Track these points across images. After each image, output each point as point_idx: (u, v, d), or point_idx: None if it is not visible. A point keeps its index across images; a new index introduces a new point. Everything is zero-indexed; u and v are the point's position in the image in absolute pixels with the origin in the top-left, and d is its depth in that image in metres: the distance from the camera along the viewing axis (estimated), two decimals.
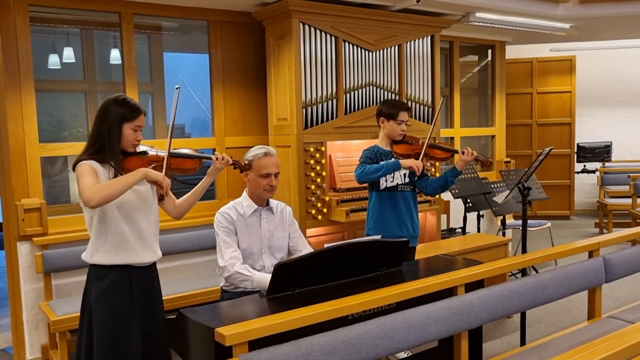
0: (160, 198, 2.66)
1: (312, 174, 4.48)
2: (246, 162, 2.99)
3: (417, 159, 3.52)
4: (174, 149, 2.73)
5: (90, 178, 2.37)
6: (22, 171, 3.88)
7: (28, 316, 3.92)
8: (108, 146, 2.48)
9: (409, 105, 4.99)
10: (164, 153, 2.61)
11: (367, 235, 3.69)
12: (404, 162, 3.48)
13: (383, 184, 3.64)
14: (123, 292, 2.53)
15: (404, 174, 3.65)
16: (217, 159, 2.74)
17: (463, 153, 3.48)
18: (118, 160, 2.50)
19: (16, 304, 3.96)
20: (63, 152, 4.10)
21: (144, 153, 2.61)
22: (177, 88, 2.64)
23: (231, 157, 2.79)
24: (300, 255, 2.87)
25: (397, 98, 4.97)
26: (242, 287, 2.94)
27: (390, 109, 3.64)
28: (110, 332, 2.49)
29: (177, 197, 2.83)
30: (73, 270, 3.93)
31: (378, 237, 3.03)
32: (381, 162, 3.54)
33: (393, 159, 3.56)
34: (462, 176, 5.34)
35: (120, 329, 2.51)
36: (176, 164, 2.67)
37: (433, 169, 5.17)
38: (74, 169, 2.46)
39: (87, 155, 2.47)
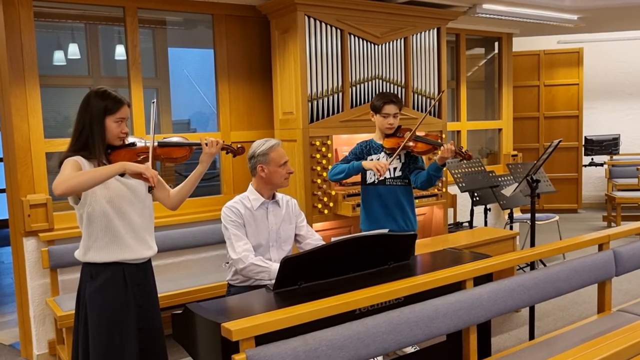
0: (149, 190, 2.48)
1: (318, 168, 4.46)
2: (239, 147, 2.82)
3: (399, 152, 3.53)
4: (164, 137, 2.67)
5: (70, 171, 2.29)
6: (28, 167, 3.88)
7: (35, 312, 3.92)
8: (92, 141, 2.40)
9: (413, 98, 4.97)
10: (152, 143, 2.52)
11: (361, 229, 3.69)
12: (366, 163, 3.53)
13: (371, 178, 3.64)
14: (117, 290, 2.49)
15: (394, 168, 3.61)
16: (206, 144, 2.63)
17: (443, 148, 3.38)
18: (105, 155, 2.43)
19: (23, 300, 3.97)
20: None
21: (133, 145, 2.53)
22: (153, 102, 2.61)
23: (223, 141, 2.71)
24: (306, 250, 2.86)
25: (403, 91, 4.93)
26: (259, 278, 2.91)
27: (376, 102, 3.58)
28: (106, 330, 2.46)
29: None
30: (79, 266, 3.90)
31: (385, 230, 3.01)
32: (351, 163, 3.60)
33: (360, 160, 3.61)
34: (469, 170, 5.31)
35: (115, 327, 2.48)
36: (165, 154, 2.58)
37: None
38: (59, 165, 2.36)
39: (73, 152, 2.41)
